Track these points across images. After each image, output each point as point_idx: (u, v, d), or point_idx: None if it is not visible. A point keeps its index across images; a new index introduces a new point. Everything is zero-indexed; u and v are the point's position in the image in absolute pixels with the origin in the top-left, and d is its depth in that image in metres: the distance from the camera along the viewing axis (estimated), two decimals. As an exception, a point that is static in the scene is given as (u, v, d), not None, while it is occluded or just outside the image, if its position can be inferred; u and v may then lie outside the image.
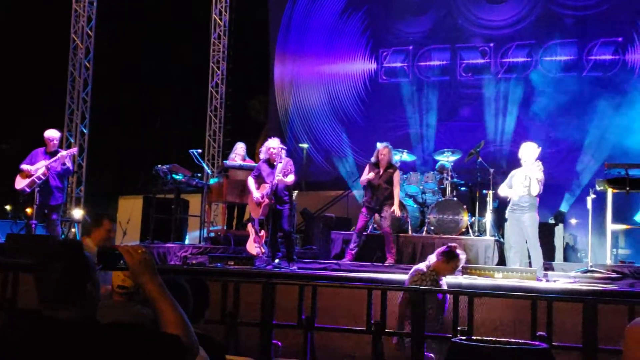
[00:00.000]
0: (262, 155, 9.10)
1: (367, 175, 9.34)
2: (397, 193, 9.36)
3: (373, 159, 9.48)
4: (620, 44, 12.35)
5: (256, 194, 8.88)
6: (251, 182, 9.02)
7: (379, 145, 9.50)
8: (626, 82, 11.85)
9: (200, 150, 11.88)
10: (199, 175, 11.82)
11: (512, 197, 8.45)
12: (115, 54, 15.70)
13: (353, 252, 9.32)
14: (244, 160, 11.32)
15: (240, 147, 11.44)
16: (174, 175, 11.12)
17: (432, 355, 6.10)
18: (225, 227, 11.25)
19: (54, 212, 9.81)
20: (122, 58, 15.89)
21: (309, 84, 14.77)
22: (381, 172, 9.31)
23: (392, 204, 9.27)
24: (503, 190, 8.61)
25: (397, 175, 9.41)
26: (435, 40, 13.85)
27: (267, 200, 8.78)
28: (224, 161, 11.32)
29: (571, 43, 12.66)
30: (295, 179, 9.05)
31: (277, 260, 8.92)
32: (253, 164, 11.34)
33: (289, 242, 9.02)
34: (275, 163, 8.87)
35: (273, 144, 9.04)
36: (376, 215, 9.58)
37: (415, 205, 10.58)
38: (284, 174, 8.74)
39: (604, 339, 5.66)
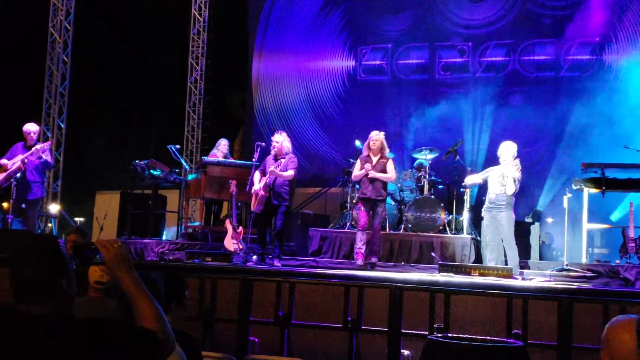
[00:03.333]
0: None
1: (359, 170, 8.86)
2: (385, 176, 8.83)
3: (364, 150, 9.03)
4: (597, 44, 12.48)
5: (256, 185, 8.87)
6: (256, 175, 9.00)
7: (372, 133, 9.03)
8: (603, 82, 11.96)
9: (178, 146, 11.81)
10: (177, 171, 11.75)
11: (471, 183, 8.73)
12: (93, 48, 15.57)
13: (362, 250, 8.74)
14: (225, 157, 11.26)
15: (223, 144, 11.36)
16: (151, 171, 11.06)
17: (408, 352, 6.13)
18: (203, 223, 11.21)
19: (31, 207, 9.69)
20: (100, 53, 15.76)
21: (287, 81, 14.75)
22: (374, 163, 8.85)
23: (385, 200, 9.03)
24: (470, 178, 8.74)
25: (391, 164, 8.93)
26: (414, 38, 13.89)
27: (262, 192, 8.75)
28: (203, 157, 11.26)
29: (549, 43, 12.77)
30: (294, 175, 8.87)
31: (255, 257, 8.89)
32: (232, 160, 11.32)
33: (279, 240, 8.89)
34: (278, 158, 8.86)
35: (276, 137, 9.03)
36: (354, 212, 9.57)
37: (392, 203, 10.61)
38: (283, 169, 8.73)
39: (579, 337, 5.73)
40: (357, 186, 9.49)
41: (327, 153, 13.73)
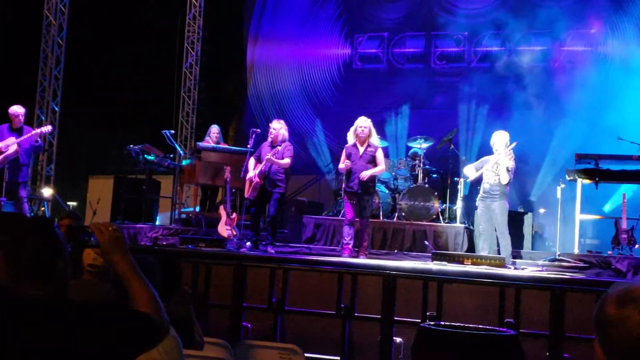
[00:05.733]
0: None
1: (344, 162, 8.49)
2: (378, 170, 8.60)
3: (350, 138, 8.62)
4: (592, 35, 12.48)
5: (250, 172, 8.85)
6: (251, 162, 8.96)
7: (360, 119, 8.60)
8: (597, 73, 11.97)
9: (173, 131, 11.78)
10: (172, 156, 11.74)
11: (470, 178, 8.55)
12: (88, 31, 15.47)
13: (350, 245, 8.46)
14: (217, 143, 11.24)
15: (214, 131, 11.31)
16: (146, 156, 11.03)
17: (400, 339, 6.15)
18: (197, 209, 11.21)
19: (21, 188, 9.66)
20: (96, 36, 15.66)
21: (282, 68, 14.71)
22: (361, 153, 8.50)
23: (374, 192, 8.85)
24: (468, 170, 8.72)
25: (380, 153, 8.58)
26: (410, 27, 13.87)
27: (257, 179, 8.74)
28: (197, 143, 11.23)
29: (544, 33, 12.76)
30: (290, 163, 8.78)
31: (249, 243, 8.90)
32: (227, 146, 11.30)
33: (272, 227, 8.84)
34: (274, 145, 8.83)
35: (273, 124, 8.99)
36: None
37: (387, 191, 10.63)
38: (279, 156, 8.70)
39: (571, 327, 5.76)
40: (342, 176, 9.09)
41: (322, 140, 13.71)
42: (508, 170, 8.22)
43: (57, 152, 14.67)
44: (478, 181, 8.62)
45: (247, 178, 8.90)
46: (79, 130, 15.24)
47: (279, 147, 8.73)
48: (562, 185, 9.34)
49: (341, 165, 8.61)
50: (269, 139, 8.91)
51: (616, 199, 10.27)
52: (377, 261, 7.99)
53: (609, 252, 8.96)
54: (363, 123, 8.53)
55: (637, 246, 8.91)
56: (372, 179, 8.64)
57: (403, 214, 10.14)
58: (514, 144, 8.37)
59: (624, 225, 8.94)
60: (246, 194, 8.99)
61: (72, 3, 14.83)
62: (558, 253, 8.81)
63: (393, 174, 10.75)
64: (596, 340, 2.65)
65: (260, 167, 8.74)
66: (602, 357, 2.58)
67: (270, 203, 8.82)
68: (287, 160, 8.73)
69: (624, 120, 10.75)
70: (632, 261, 8.41)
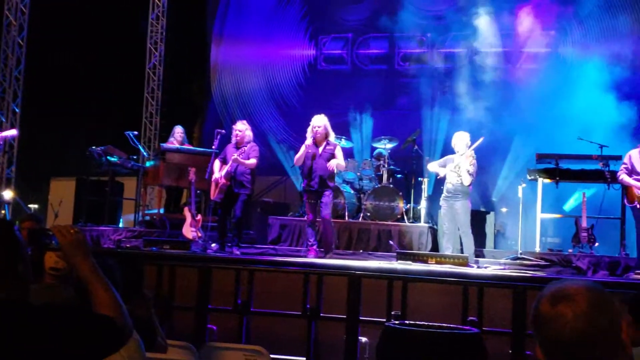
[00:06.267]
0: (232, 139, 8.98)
1: (300, 152, 8.45)
2: (342, 162, 8.51)
3: (309, 138, 8.51)
4: (553, 37, 12.68)
5: (216, 174, 8.80)
6: (216, 163, 8.92)
7: (314, 118, 8.54)
8: (558, 74, 12.13)
9: (136, 133, 11.69)
10: (135, 157, 11.63)
11: (438, 174, 8.63)
12: (50, 32, 15.24)
13: (315, 245, 8.50)
14: (182, 144, 11.17)
15: (178, 132, 11.24)
16: (108, 157, 10.92)
17: (365, 339, 6.18)
18: (161, 211, 11.12)
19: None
20: (58, 36, 15.43)
21: (247, 68, 14.66)
22: (320, 152, 8.47)
23: (333, 189, 8.79)
24: (432, 167, 8.81)
25: (339, 150, 8.54)
26: (374, 28, 13.92)
27: (223, 181, 8.70)
28: (161, 144, 11.14)
29: (506, 35, 12.91)
30: (257, 163, 8.80)
31: (214, 245, 8.86)
32: (191, 147, 11.24)
33: (238, 228, 8.85)
34: (239, 146, 8.79)
35: (238, 125, 8.96)
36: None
37: (352, 192, 10.68)
38: (245, 157, 8.66)
39: (532, 324, 5.83)
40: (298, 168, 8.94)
41: (287, 141, 13.70)
42: (469, 173, 8.32)
43: (18, 154, 14.43)
44: (442, 181, 8.72)
45: (212, 180, 8.87)
46: (41, 132, 15.01)
47: (245, 148, 8.72)
48: (524, 185, 9.50)
49: (297, 156, 8.50)
50: (234, 140, 8.89)
51: (576, 198, 10.44)
52: (342, 261, 8.02)
53: (570, 250, 9.11)
54: (318, 122, 8.50)
55: (597, 244, 9.08)
56: (331, 176, 8.59)
57: (368, 214, 10.19)
58: (480, 140, 8.47)
59: (584, 223, 9.10)
60: (212, 196, 8.95)
61: (33, 3, 14.61)
62: (520, 251, 8.95)
63: (358, 174, 10.80)
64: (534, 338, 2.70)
65: (226, 168, 8.72)
66: (540, 354, 2.63)
67: (236, 204, 8.79)
68: (253, 161, 8.72)
69: (583, 120, 10.93)
70: (592, 259, 8.58)
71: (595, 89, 11.18)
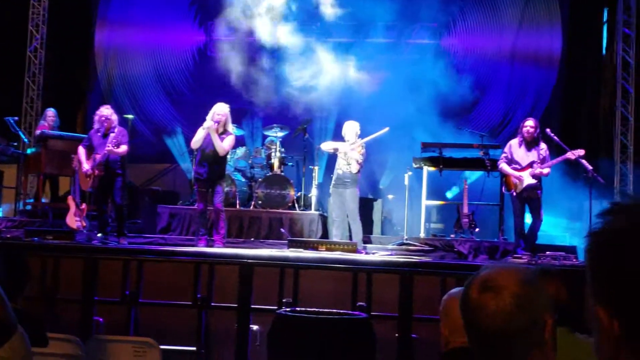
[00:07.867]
0: (95, 125, 8.70)
1: (198, 134, 8.34)
2: (219, 147, 8.33)
3: (207, 121, 8.40)
4: (435, 29, 13.06)
5: (85, 165, 8.50)
6: (81, 151, 8.61)
7: (216, 106, 8.49)
8: (442, 66, 12.48)
9: (17, 118, 11.18)
10: (15, 144, 11.12)
11: (326, 149, 8.87)
12: None
13: (206, 236, 8.44)
14: (53, 128, 10.67)
15: (49, 115, 10.71)
16: (-14, 144, 10.39)
17: (257, 327, 6.22)
18: (43, 200, 10.69)
19: None
20: None
21: (133, 53, 14.24)
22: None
23: (227, 177, 8.77)
24: (327, 145, 8.98)
25: (231, 140, 8.52)
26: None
27: (97, 172, 8.45)
28: (43, 130, 10.66)
29: (389, 26, 13.13)
30: (128, 149, 8.67)
31: (100, 235, 8.63)
32: (74, 134, 10.86)
33: (120, 216, 8.68)
34: (107, 132, 8.54)
35: (103, 111, 8.69)
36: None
37: (243, 180, 10.66)
38: (116, 144, 8.43)
39: (419, 308, 6.07)
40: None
41: (177, 129, 13.43)
42: (357, 162, 8.53)
43: None
44: (331, 169, 8.87)
45: (83, 171, 8.57)
46: None
47: (112, 135, 8.47)
48: (410, 173, 9.81)
49: (196, 138, 8.41)
50: (98, 126, 8.62)
51: (458, 185, 10.87)
52: (234, 250, 8.02)
53: (452, 236, 9.51)
54: (220, 110, 8.47)
55: (477, 230, 9.51)
56: (222, 165, 8.60)
57: (260, 202, 10.21)
58: (384, 130, 8.70)
59: (465, 210, 9.51)
60: (85, 187, 8.68)
61: None
62: (405, 237, 9.24)
63: (250, 162, 10.79)
64: (442, 320, 2.81)
65: (97, 157, 8.43)
66: (447, 335, 2.76)
67: (114, 192, 8.58)
68: (124, 147, 8.58)
69: (465, 110, 11.37)
70: (473, 244, 8.99)
71: (476, 81, 11.64)
